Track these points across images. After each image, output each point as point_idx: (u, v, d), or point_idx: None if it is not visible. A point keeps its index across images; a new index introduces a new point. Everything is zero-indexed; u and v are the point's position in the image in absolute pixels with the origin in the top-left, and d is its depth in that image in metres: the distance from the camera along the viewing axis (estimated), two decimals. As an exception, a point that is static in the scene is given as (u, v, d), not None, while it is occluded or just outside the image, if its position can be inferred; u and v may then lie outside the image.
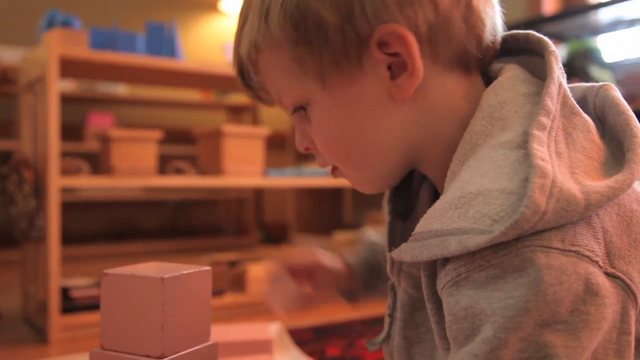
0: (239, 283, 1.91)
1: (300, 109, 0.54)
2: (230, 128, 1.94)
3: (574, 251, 0.42)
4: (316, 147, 0.56)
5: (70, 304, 1.63)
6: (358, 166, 0.55)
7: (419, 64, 0.49)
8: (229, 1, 3.77)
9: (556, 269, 0.40)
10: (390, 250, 0.60)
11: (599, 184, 0.43)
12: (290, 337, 1.44)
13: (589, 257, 0.42)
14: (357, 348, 1.44)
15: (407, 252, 0.49)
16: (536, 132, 0.44)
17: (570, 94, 0.49)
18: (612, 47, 2.58)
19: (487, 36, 0.52)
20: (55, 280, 1.53)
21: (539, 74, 0.52)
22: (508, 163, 0.44)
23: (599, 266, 0.42)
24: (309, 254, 0.78)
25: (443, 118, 0.52)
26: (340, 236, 2.58)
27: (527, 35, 0.53)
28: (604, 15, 2.46)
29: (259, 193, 3.74)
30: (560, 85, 0.48)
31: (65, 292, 1.65)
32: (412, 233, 0.48)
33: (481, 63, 0.53)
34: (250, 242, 3.59)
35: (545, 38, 0.52)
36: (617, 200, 0.45)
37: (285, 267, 0.77)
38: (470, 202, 0.44)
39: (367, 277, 0.77)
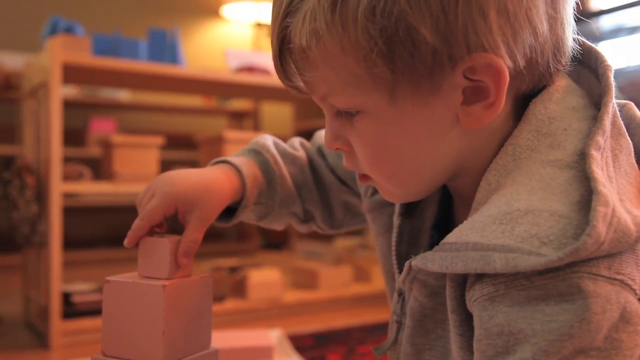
0: (239, 289, 1.92)
1: (347, 113, 0.50)
2: (231, 134, 1.94)
3: (619, 280, 0.41)
4: (350, 150, 0.53)
5: (71, 309, 1.63)
6: (402, 184, 0.52)
7: (503, 99, 0.46)
8: (230, 7, 3.78)
9: (602, 297, 0.40)
10: (397, 251, 0.59)
11: None
12: (291, 344, 1.45)
13: (629, 286, 0.42)
14: (357, 355, 1.44)
15: (434, 261, 0.47)
16: (594, 152, 0.43)
17: (618, 113, 0.47)
18: (613, 55, 2.59)
19: (563, 63, 0.49)
20: (57, 285, 1.53)
21: (580, 83, 0.50)
22: (558, 183, 0.43)
23: (636, 294, 0.42)
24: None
25: (495, 140, 0.50)
26: (341, 242, 2.58)
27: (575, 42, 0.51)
28: (605, 22, 2.47)
29: (260, 199, 3.74)
30: (613, 104, 0.47)
31: (66, 297, 1.65)
32: (442, 242, 0.47)
33: None
34: (251, 248, 3.59)
35: (595, 48, 0.51)
36: None
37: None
38: (517, 219, 0.42)
39: (257, 192, 0.69)
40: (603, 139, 0.44)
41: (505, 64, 0.44)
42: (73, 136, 3.09)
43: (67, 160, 1.71)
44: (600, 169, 0.42)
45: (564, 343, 0.40)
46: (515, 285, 0.42)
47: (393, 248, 0.59)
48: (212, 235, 3.81)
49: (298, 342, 1.52)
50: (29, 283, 1.78)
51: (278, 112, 3.80)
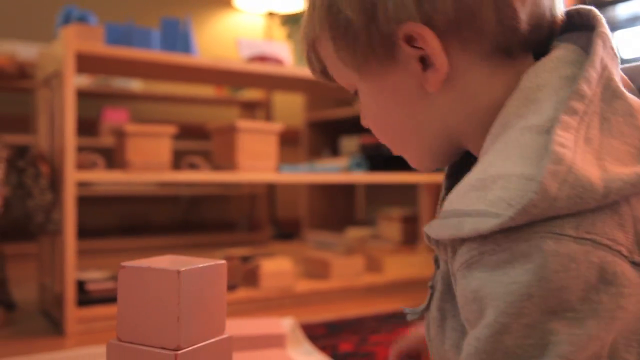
0: (251, 278, 1.92)
1: (357, 92, 0.58)
2: (244, 123, 1.95)
3: (589, 239, 0.41)
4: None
5: (85, 297, 1.65)
6: (402, 148, 0.59)
7: (442, 58, 0.50)
8: (243, -3, 3.77)
9: (564, 255, 0.40)
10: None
11: (625, 171, 0.42)
12: (303, 332, 1.45)
13: (608, 246, 0.41)
14: (370, 344, 1.44)
15: (433, 228, 0.49)
16: (565, 117, 0.44)
17: (616, 77, 0.47)
18: (629, 43, 2.56)
19: (523, 22, 0.50)
20: (71, 273, 1.55)
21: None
22: (533, 148, 0.44)
23: (622, 255, 0.41)
24: (417, 337, 0.78)
25: (481, 105, 0.52)
26: (353, 232, 2.58)
27: (579, 11, 0.52)
28: (622, 11, 2.44)
29: (271, 189, 3.75)
30: (604, 68, 0.47)
31: (80, 285, 1.67)
32: (442, 210, 0.49)
33: (537, 44, 0.52)
34: (262, 238, 3.60)
35: (599, 15, 0.51)
36: None
37: (399, 353, 0.78)
38: (490, 185, 0.44)
39: None
40: (582, 104, 0.44)
41: (424, 28, 0.49)
42: (86, 126, 3.10)
43: (80, 150, 1.72)
44: (572, 132, 0.43)
45: (523, 303, 0.40)
46: (487, 250, 0.43)
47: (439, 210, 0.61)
48: (224, 226, 3.83)
49: (310, 331, 1.52)
50: (43, 271, 1.80)
51: (290, 102, 3.80)
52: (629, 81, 0.52)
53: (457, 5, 0.48)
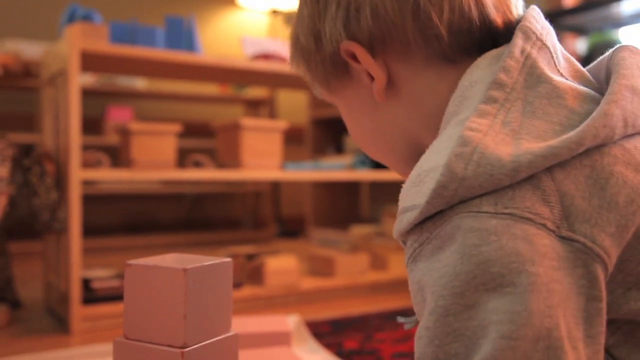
0: (256, 276, 1.92)
1: None
2: (248, 121, 1.95)
3: (508, 213, 0.41)
4: None
5: (91, 295, 1.65)
6: (376, 155, 0.62)
7: (376, 70, 0.54)
8: (246, -5, 3.77)
9: (482, 230, 0.40)
10: None
11: (536, 146, 0.42)
12: (308, 330, 1.45)
13: (530, 220, 0.41)
14: (375, 341, 1.44)
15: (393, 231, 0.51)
16: (482, 105, 0.46)
17: (542, 64, 0.48)
18: (634, 40, 2.55)
19: (444, 27, 0.52)
20: (77, 272, 1.55)
21: None
22: (456, 137, 0.45)
23: (548, 229, 0.41)
24: None
25: (431, 108, 0.54)
26: (358, 230, 2.58)
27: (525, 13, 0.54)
28: (626, 7, 2.43)
29: (276, 186, 3.75)
30: (527, 57, 0.48)
31: (86, 283, 1.67)
32: None
33: (479, 46, 0.53)
34: (267, 236, 3.60)
35: (528, 12, 0.52)
36: (590, 162, 0.43)
37: None
38: (424, 179, 0.45)
39: None
40: (501, 93, 0.46)
41: (354, 44, 0.53)
42: (91, 124, 3.11)
43: (85, 148, 1.72)
44: (489, 117, 0.44)
45: (454, 282, 0.40)
46: (423, 240, 0.44)
47: None
48: (228, 224, 3.83)
49: (315, 328, 1.52)
50: (49, 269, 1.80)
51: (294, 100, 3.80)
52: (588, 76, 0.52)
53: (375, 22, 0.52)
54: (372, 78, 0.55)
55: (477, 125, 0.44)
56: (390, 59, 0.54)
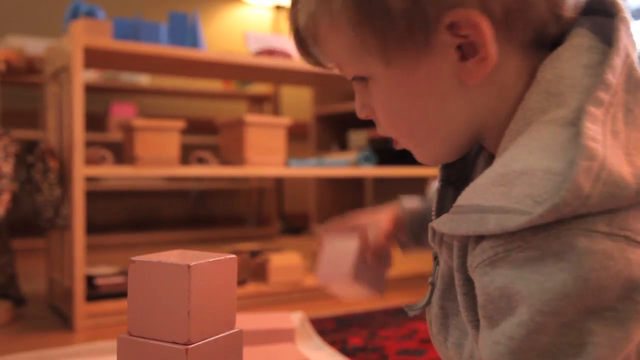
0: (260, 273, 1.92)
1: (361, 79, 0.53)
2: (252, 118, 1.94)
3: (623, 236, 0.40)
4: (376, 116, 0.56)
5: (94, 292, 1.65)
6: (421, 144, 0.54)
7: (493, 49, 0.46)
8: (250, -9, 3.76)
9: (600, 253, 0.39)
10: (437, 216, 0.59)
11: None
12: (313, 327, 1.45)
13: None
14: (379, 338, 1.44)
15: (445, 223, 0.47)
16: (592, 108, 0.42)
17: (638, 65, 0.46)
18: (639, 35, 2.53)
19: (569, 10, 0.48)
20: (80, 268, 1.55)
21: (608, 38, 0.48)
22: (558, 141, 0.42)
23: None
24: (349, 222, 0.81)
25: (508, 98, 0.49)
26: (362, 226, 2.57)
27: None
28: (633, 1, 2.41)
29: (280, 183, 3.75)
30: (627, 56, 0.45)
31: (89, 280, 1.67)
32: (454, 205, 0.47)
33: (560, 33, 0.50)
34: (271, 232, 3.60)
35: (617, 1, 0.49)
36: None
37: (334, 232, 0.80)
38: (514, 180, 0.42)
39: (416, 229, 0.77)
40: (607, 95, 0.43)
41: (480, 16, 0.45)
42: (95, 121, 3.11)
43: (89, 144, 1.72)
44: (599, 124, 0.41)
45: (560, 302, 0.38)
46: (513, 247, 0.41)
47: (433, 212, 0.59)
48: (232, 220, 3.83)
49: (319, 325, 1.52)
50: (52, 266, 1.80)
51: (298, 96, 3.79)
52: None
53: None
54: (461, 55, 0.47)
55: (594, 133, 0.41)
56: (500, 36, 0.47)
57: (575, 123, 0.42)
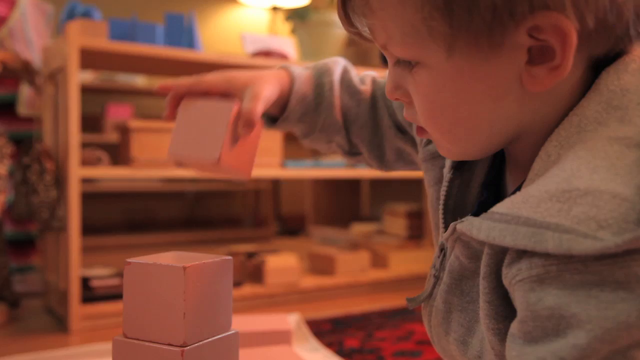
0: (257, 274, 1.92)
1: (409, 63, 0.49)
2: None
3: None
4: (409, 101, 0.52)
5: (90, 294, 1.64)
6: (457, 141, 0.51)
7: (570, 62, 0.44)
8: (246, -8, 3.76)
9: None
10: (445, 205, 0.57)
11: None
12: (309, 328, 1.44)
13: None
14: (376, 339, 1.44)
15: (481, 229, 0.45)
16: None
17: None
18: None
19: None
20: (76, 270, 1.54)
21: None
22: (625, 163, 0.41)
23: None
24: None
25: (561, 110, 0.47)
26: (358, 228, 2.58)
27: None
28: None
29: (276, 184, 3.74)
30: None
31: (85, 281, 1.67)
32: (492, 210, 0.45)
33: None
34: (267, 234, 3.59)
35: None
36: None
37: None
38: (576, 199, 0.40)
39: (298, 114, 0.71)
40: None
41: (572, 25, 0.42)
42: (91, 122, 3.10)
43: (84, 145, 1.71)
44: None
45: (621, 333, 0.38)
46: (569, 268, 0.40)
47: (441, 202, 0.57)
48: (229, 222, 3.82)
49: (316, 327, 1.52)
50: (48, 267, 1.80)
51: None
52: None
53: (610, 6, 0.43)
54: (529, 56, 0.44)
55: None
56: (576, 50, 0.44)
57: None
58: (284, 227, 3.77)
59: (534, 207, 0.42)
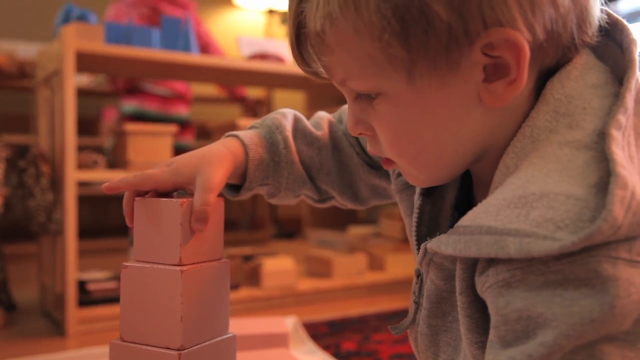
0: (253, 277, 1.92)
1: (367, 96, 0.50)
2: (245, 122, 1.94)
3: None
4: (373, 135, 0.52)
5: (86, 297, 1.64)
6: (425, 167, 0.51)
7: (525, 75, 0.44)
8: (243, -5, 3.76)
9: (624, 280, 0.39)
10: (417, 232, 0.58)
11: None
12: (306, 331, 1.44)
13: None
14: (373, 342, 1.44)
15: (449, 244, 0.46)
16: (614, 132, 0.41)
17: None
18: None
19: (591, 36, 0.48)
20: (72, 274, 1.54)
21: (606, 57, 0.48)
22: (576, 165, 0.42)
23: None
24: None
25: (517, 120, 0.48)
26: (355, 230, 2.58)
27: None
28: (623, 5, 2.43)
29: (273, 187, 3.74)
30: (637, 79, 0.44)
31: (82, 285, 1.66)
32: (457, 225, 0.46)
33: None
34: (264, 237, 3.59)
35: (622, 20, 0.48)
36: None
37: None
38: (532, 203, 0.41)
39: (260, 178, 0.69)
40: (625, 118, 0.42)
41: (524, 38, 0.43)
42: (87, 125, 3.10)
43: (81, 148, 1.71)
44: (620, 149, 0.41)
45: (585, 327, 0.39)
46: (532, 270, 0.41)
47: (413, 229, 0.58)
48: (225, 225, 3.81)
49: (313, 329, 1.52)
50: (44, 271, 1.79)
51: (291, 100, 3.79)
52: None
53: (555, 16, 0.44)
54: (485, 75, 0.45)
55: (621, 159, 0.40)
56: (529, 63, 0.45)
57: (591, 146, 0.42)
58: (281, 230, 3.76)
59: (494, 216, 0.43)
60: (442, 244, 0.47)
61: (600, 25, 0.49)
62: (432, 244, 0.49)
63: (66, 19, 1.85)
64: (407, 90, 0.46)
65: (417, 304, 0.58)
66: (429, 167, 0.51)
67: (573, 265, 0.40)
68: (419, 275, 0.58)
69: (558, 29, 0.45)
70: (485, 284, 0.44)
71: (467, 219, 0.45)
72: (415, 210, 0.58)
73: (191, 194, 0.63)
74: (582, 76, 0.46)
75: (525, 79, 0.45)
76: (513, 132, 0.47)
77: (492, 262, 0.44)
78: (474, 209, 0.45)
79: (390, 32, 0.44)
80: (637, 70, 0.45)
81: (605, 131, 0.42)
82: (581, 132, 0.43)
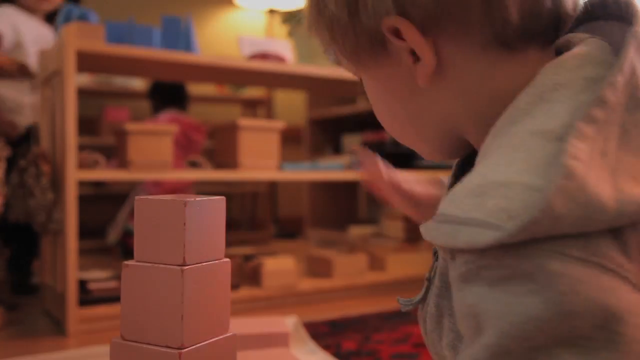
0: (254, 277, 1.92)
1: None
2: (246, 122, 1.94)
3: (597, 263, 0.38)
4: None
5: (87, 297, 1.64)
6: (414, 142, 0.57)
7: (426, 51, 0.48)
8: (243, -5, 3.76)
9: (571, 277, 0.37)
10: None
11: (638, 192, 0.39)
12: (307, 331, 1.44)
13: (618, 273, 0.38)
14: (373, 342, 1.44)
15: (428, 230, 0.45)
16: (582, 125, 0.40)
17: None
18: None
19: (520, 11, 0.46)
20: (73, 273, 1.54)
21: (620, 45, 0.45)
22: (542, 155, 0.40)
23: (630, 283, 0.38)
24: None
25: (481, 98, 0.49)
26: (356, 230, 2.58)
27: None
28: None
29: (273, 187, 3.74)
30: (632, 74, 0.42)
31: (82, 284, 1.66)
32: (437, 212, 0.45)
33: (541, 34, 0.48)
34: (264, 237, 3.59)
35: (636, 6, 0.46)
36: None
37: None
38: (490, 192, 0.40)
39: None
40: (603, 112, 0.40)
41: (406, 22, 0.47)
42: (88, 125, 3.10)
43: (81, 148, 1.71)
44: (588, 142, 0.39)
45: (528, 326, 0.37)
46: (484, 264, 0.39)
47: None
48: (226, 224, 3.81)
49: (313, 329, 1.52)
50: (45, 270, 1.79)
51: (291, 100, 3.79)
52: None
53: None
54: (415, 59, 0.49)
55: (579, 152, 0.38)
56: (442, 40, 0.48)
57: (562, 138, 0.40)
58: (282, 229, 3.76)
59: (457, 204, 0.42)
60: (424, 228, 0.46)
61: (620, 13, 0.48)
62: (421, 229, 0.48)
63: (67, 19, 1.85)
64: (362, 75, 0.55)
65: (430, 281, 0.57)
66: (419, 142, 0.56)
67: (521, 260, 0.38)
68: (435, 252, 0.57)
69: (447, 7, 0.47)
70: (451, 278, 0.43)
71: (441, 206, 0.44)
72: (445, 192, 0.57)
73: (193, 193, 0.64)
74: (578, 67, 0.45)
75: (427, 55, 0.48)
76: (485, 110, 0.49)
77: (455, 253, 0.42)
78: (447, 196, 0.44)
79: (325, 32, 0.53)
80: (635, 62, 0.43)
81: (572, 123, 0.40)
82: (556, 122, 0.42)
